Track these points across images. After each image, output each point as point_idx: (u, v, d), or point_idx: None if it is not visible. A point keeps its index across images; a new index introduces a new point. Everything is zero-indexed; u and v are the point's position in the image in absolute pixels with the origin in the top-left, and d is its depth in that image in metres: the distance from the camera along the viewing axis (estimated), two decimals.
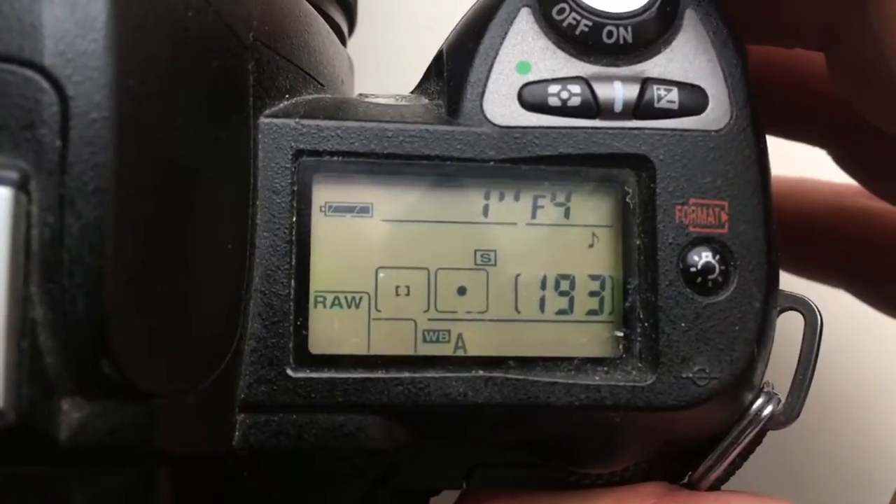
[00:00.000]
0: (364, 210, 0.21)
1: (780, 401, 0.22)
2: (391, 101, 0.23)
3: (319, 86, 0.23)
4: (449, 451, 0.22)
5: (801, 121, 0.27)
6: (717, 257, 0.21)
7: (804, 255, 0.29)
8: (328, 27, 0.25)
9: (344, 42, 0.29)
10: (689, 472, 0.23)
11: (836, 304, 0.26)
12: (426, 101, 0.23)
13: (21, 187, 0.15)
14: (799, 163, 0.29)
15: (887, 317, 0.28)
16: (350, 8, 0.29)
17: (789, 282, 0.24)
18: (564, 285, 0.21)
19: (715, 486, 0.23)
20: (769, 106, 0.24)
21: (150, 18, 0.17)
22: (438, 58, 0.23)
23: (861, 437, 0.34)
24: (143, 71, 0.17)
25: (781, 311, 0.22)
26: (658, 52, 0.21)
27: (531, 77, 0.21)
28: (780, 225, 0.22)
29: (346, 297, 0.20)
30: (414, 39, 0.25)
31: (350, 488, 0.23)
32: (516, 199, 0.21)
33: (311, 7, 0.24)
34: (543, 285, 0.21)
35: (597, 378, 0.21)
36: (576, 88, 0.21)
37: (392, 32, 0.35)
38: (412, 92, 0.24)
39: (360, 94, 0.23)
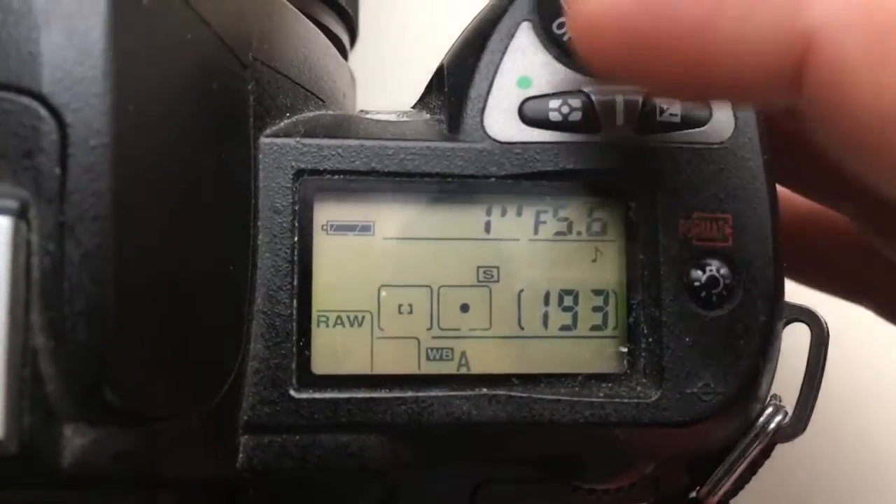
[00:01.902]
0: (366, 228, 0.21)
1: (787, 413, 0.22)
2: (392, 118, 0.22)
3: (320, 102, 0.23)
4: (454, 469, 0.22)
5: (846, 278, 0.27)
6: (722, 271, 0.21)
7: (832, 276, 0.29)
8: (328, 42, 0.25)
9: (345, 55, 0.29)
10: (698, 487, 0.23)
11: (844, 313, 0.26)
12: (427, 116, 0.22)
13: (21, 216, 0.15)
14: None
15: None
16: (351, 21, 0.29)
17: (795, 291, 0.24)
18: (568, 301, 0.21)
19: (723, 501, 0.23)
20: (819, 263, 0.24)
21: (148, 43, 0.17)
22: (439, 72, 0.23)
23: (870, 446, 0.33)
24: (142, 96, 0.17)
25: (787, 323, 0.22)
26: None
27: (532, 92, 0.21)
28: (812, 245, 0.22)
29: (348, 317, 0.20)
30: (417, 52, 0.25)
31: None
32: (518, 214, 0.21)
33: (310, 22, 0.24)
34: (547, 301, 0.21)
35: (601, 394, 0.21)
36: (577, 103, 0.21)
37: (395, 45, 0.35)
38: (413, 107, 0.24)
39: (361, 111, 0.23)
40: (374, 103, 0.24)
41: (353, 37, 0.30)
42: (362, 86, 0.29)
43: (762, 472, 0.23)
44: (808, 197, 0.27)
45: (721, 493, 0.23)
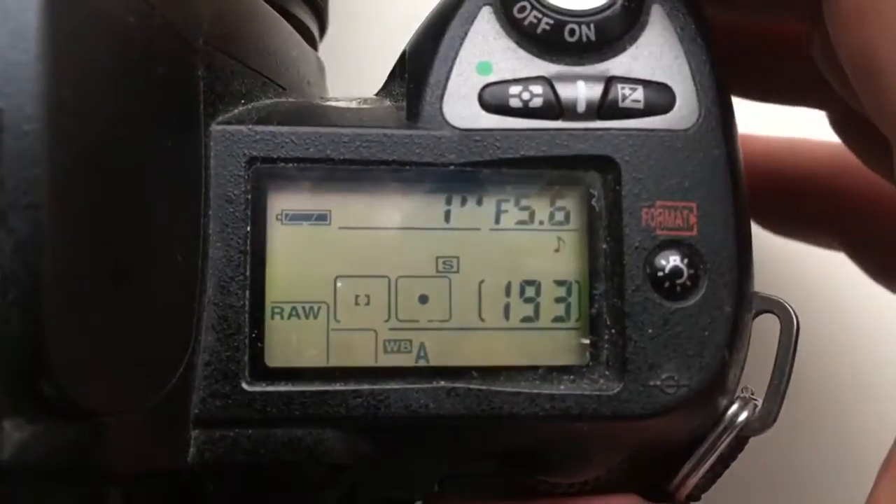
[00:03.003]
0: (322, 218, 0.20)
1: (756, 406, 0.22)
2: (352, 105, 0.22)
3: (280, 89, 0.22)
4: (417, 463, 0.22)
5: (797, 82, 0.27)
6: (686, 261, 0.20)
7: (802, 216, 0.29)
8: (291, 29, 0.25)
9: (314, 44, 0.28)
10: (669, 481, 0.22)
11: (816, 304, 0.26)
12: (389, 103, 0.22)
13: None
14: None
15: (870, 313, 0.27)
16: (320, 9, 0.28)
17: (773, 281, 0.23)
18: (530, 291, 0.21)
19: (695, 495, 0.23)
20: (764, 71, 0.23)
21: (86, 26, 0.16)
22: (401, 59, 0.22)
23: (847, 437, 0.33)
24: (79, 81, 0.16)
25: (757, 314, 0.22)
26: (623, 49, 0.21)
27: (492, 78, 0.21)
28: (778, 186, 0.21)
29: (303, 308, 0.20)
30: (389, 40, 0.25)
31: (317, 501, 0.22)
32: (479, 203, 0.21)
33: (271, 9, 0.23)
34: (508, 292, 0.21)
35: (562, 387, 0.20)
36: (537, 89, 0.20)
37: (367, 33, 0.35)
38: (377, 94, 0.23)
39: (322, 98, 0.23)
40: (347, 91, 0.23)
41: (323, 26, 0.29)
42: (335, 74, 0.29)
43: (734, 465, 0.23)
44: (773, 97, 0.26)
45: (691, 486, 0.22)
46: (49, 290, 0.15)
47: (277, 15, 0.24)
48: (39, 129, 0.15)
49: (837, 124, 0.26)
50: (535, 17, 0.21)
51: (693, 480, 0.22)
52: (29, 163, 0.15)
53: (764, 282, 0.22)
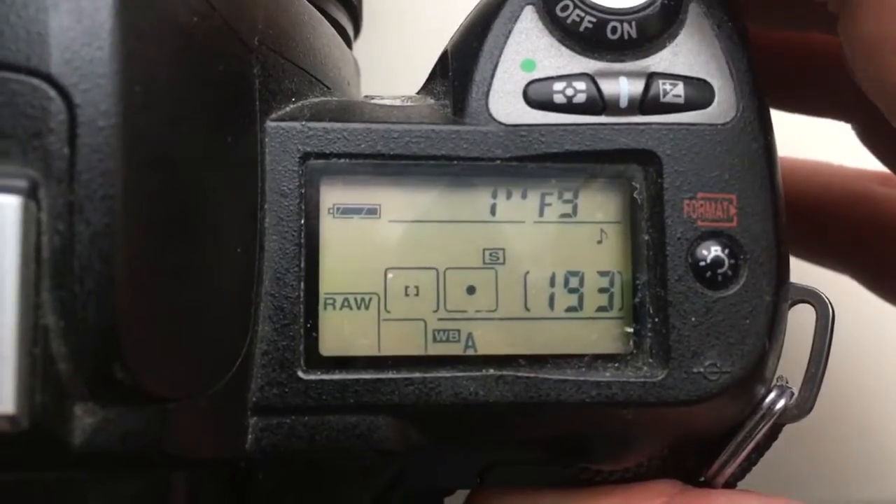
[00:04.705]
0: (372, 211, 0.21)
1: (793, 394, 0.22)
2: (397, 103, 0.23)
3: (325, 88, 0.23)
4: (462, 451, 0.22)
5: (824, 95, 0.27)
6: (727, 251, 0.21)
7: (812, 238, 0.29)
8: (333, 30, 0.25)
9: (349, 44, 0.29)
10: (706, 469, 0.23)
11: (851, 295, 0.26)
12: (432, 101, 0.23)
13: (30, 195, 0.16)
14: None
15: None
16: (355, 10, 0.29)
17: (802, 273, 0.24)
18: (574, 282, 0.21)
19: (731, 483, 0.23)
20: (791, 83, 0.24)
21: (155, 25, 0.17)
22: (443, 58, 0.23)
23: (875, 431, 0.33)
24: (149, 77, 0.17)
25: (793, 304, 0.22)
26: (663, 46, 0.21)
27: (536, 75, 0.21)
28: (790, 207, 0.22)
29: (355, 299, 0.21)
30: (422, 41, 0.25)
31: (364, 489, 0.23)
32: (524, 197, 0.21)
33: (315, 10, 0.24)
34: (553, 283, 0.21)
35: (607, 374, 0.21)
36: (581, 85, 0.21)
37: (400, 34, 0.35)
38: (418, 93, 0.24)
39: (366, 96, 0.23)
40: (378, 92, 0.24)
41: (357, 27, 0.30)
42: (366, 75, 0.29)
43: (768, 454, 0.23)
44: (800, 108, 0.27)
45: (728, 474, 0.23)
46: (123, 280, 0.16)
47: (321, 17, 0.24)
48: (114, 124, 0.16)
49: (866, 136, 0.27)
50: (577, 15, 0.21)
51: (730, 468, 0.23)
52: (104, 156, 0.16)
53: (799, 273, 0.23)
